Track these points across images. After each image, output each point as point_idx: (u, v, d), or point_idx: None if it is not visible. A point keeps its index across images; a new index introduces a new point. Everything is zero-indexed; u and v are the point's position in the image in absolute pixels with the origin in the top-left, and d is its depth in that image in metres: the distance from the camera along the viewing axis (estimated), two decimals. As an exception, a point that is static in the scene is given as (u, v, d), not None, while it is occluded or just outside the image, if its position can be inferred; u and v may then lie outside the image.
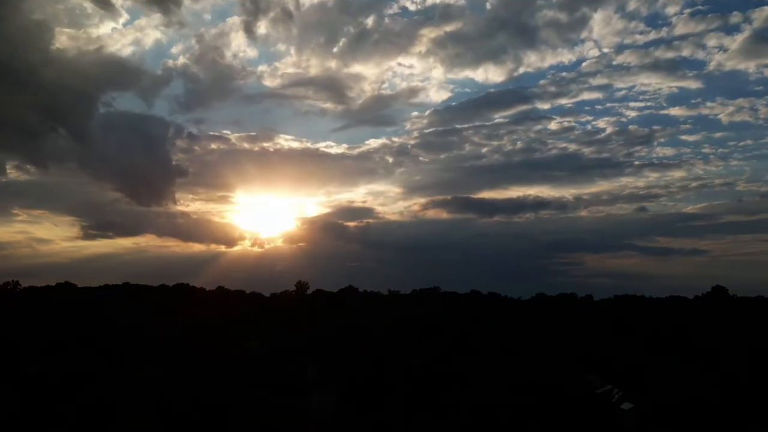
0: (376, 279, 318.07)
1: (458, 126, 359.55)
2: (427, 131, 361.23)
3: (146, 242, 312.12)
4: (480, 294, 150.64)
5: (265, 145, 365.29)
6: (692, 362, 50.96)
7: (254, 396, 42.00)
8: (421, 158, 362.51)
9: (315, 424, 38.76)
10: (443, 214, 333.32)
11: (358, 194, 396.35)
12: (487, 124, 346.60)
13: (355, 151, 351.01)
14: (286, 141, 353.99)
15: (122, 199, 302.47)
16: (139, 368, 47.70)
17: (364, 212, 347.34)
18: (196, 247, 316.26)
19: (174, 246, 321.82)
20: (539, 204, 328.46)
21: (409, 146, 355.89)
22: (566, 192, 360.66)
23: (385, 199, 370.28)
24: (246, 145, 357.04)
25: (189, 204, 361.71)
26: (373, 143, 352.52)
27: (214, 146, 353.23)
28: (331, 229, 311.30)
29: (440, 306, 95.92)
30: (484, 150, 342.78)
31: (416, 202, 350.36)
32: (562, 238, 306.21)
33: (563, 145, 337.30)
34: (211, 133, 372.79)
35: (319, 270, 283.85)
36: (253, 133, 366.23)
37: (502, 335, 65.94)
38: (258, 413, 38.75)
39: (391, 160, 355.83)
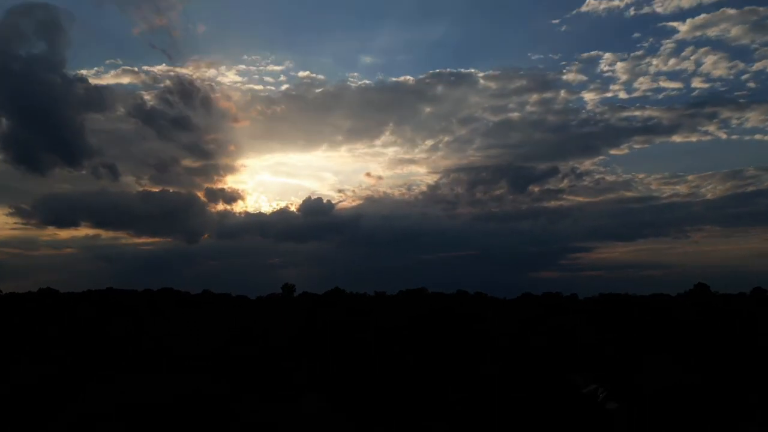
0: (365, 279, 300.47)
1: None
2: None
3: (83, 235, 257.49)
4: (467, 294, 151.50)
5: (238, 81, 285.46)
6: (678, 360, 51.67)
7: (243, 400, 41.93)
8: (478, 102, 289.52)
9: (305, 428, 38.75)
10: (459, 189, 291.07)
11: (361, 164, 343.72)
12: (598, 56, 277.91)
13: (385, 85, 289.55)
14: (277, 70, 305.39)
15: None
16: (127, 376, 47.34)
17: (359, 193, 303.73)
18: (154, 243, 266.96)
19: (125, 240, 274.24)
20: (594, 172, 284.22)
21: (477, 78, 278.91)
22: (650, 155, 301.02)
23: (398, 167, 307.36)
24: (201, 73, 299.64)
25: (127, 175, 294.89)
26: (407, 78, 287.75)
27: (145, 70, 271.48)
28: (315, 215, 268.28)
29: (426, 308, 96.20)
30: (585, 95, 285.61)
31: (437, 172, 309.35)
32: (595, 225, 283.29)
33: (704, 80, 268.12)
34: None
35: (304, 270, 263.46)
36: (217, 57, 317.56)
37: (488, 336, 66.28)
38: (248, 418, 38.68)
39: (426, 109, 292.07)
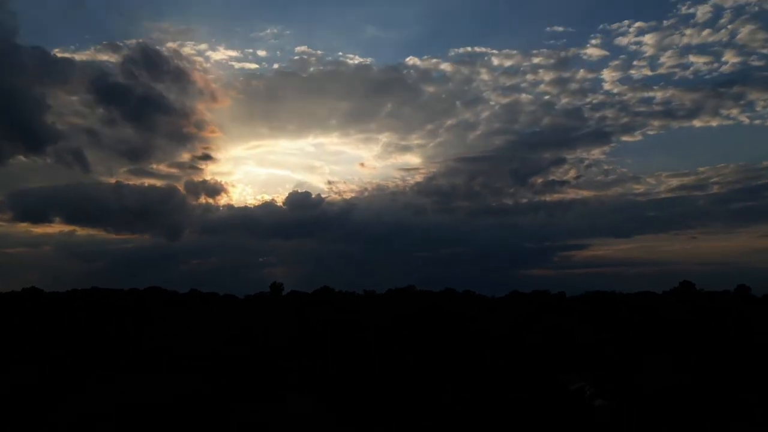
0: (353, 277, 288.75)
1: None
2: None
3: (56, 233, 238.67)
4: (455, 293, 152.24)
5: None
6: (668, 358, 52.37)
7: (237, 401, 41.86)
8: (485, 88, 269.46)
9: (299, 428, 38.79)
10: (456, 180, 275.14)
11: (355, 151, 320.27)
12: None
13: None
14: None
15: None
16: (123, 376, 47.09)
17: (350, 185, 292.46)
18: (132, 239, 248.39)
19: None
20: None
21: (489, 55, 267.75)
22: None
23: (394, 155, 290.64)
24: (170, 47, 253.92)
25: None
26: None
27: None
28: (303, 209, 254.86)
29: (416, 307, 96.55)
30: (604, 73, 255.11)
31: (435, 161, 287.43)
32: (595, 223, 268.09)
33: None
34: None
35: (291, 268, 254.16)
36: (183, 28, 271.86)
37: (470, 333, 66.72)
38: (241, 418, 38.65)
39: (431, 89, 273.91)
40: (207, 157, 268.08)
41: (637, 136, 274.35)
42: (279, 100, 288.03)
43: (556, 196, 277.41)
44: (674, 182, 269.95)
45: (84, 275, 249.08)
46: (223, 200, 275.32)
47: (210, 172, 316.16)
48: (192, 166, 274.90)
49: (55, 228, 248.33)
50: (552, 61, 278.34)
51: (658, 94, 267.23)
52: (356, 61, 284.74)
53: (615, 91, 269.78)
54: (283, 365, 54.18)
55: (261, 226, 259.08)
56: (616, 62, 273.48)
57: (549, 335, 65.12)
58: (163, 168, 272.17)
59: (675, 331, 66.47)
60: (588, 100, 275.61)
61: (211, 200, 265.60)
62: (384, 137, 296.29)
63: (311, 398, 44.96)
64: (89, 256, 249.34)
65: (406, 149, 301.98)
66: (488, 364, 52.70)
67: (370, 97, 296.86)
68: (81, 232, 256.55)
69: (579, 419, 40.10)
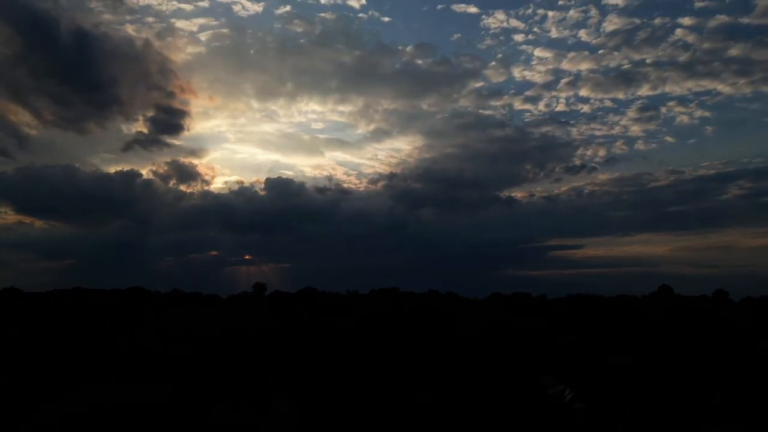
0: (336, 276, 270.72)
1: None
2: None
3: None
4: (439, 294, 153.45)
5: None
6: (643, 361, 53.58)
7: (219, 403, 42.18)
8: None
9: (283, 429, 39.22)
10: (464, 165, 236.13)
11: (352, 123, 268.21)
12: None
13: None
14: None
15: None
16: (101, 381, 47.13)
17: (343, 170, 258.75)
18: (97, 232, 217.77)
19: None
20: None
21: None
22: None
23: (398, 126, 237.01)
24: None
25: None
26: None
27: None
28: (287, 197, 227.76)
29: (398, 308, 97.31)
30: (684, 19, 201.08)
31: (443, 137, 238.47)
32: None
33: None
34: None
35: (272, 267, 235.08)
36: None
37: (452, 334, 67.57)
38: (223, 420, 38.99)
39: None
40: (178, 128, 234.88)
41: (692, 107, 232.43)
42: (272, 54, 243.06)
43: (574, 185, 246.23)
44: (710, 173, 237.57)
45: (56, 273, 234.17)
46: (198, 187, 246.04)
47: (180, 149, 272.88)
48: (159, 141, 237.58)
49: (9, 219, 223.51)
50: (625, 3, 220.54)
51: (738, 47, 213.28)
52: (364, 13, 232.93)
53: (689, 40, 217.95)
54: (266, 366, 54.52)
55: (240, 217, 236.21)
56: (704, 3, 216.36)
57: (524, 336, 66.20)
58: (126, 145, 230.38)
59: (648, 332, 67.95)
60: (651, 55, 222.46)
61: (184, 188, 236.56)
62: (387, 103, 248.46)
63: (296, 399, 45.36)
64: (55, 252, 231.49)
65: (414, 118, 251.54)
66: (468, 366, 53.50)
67: (377, 56, 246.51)
68: (39, 224, 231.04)
69: (559, 423, 40.95)
